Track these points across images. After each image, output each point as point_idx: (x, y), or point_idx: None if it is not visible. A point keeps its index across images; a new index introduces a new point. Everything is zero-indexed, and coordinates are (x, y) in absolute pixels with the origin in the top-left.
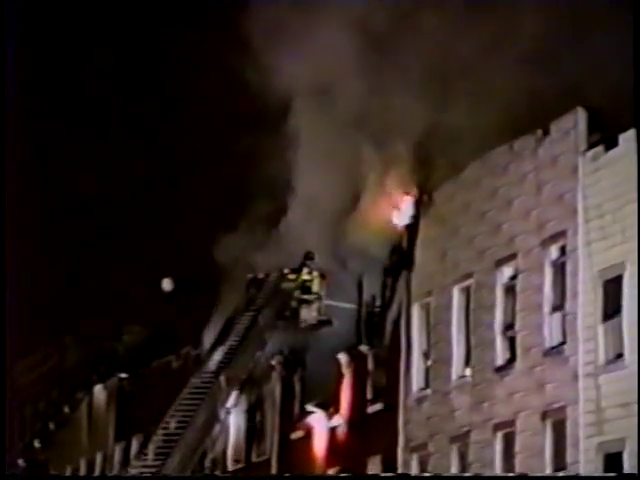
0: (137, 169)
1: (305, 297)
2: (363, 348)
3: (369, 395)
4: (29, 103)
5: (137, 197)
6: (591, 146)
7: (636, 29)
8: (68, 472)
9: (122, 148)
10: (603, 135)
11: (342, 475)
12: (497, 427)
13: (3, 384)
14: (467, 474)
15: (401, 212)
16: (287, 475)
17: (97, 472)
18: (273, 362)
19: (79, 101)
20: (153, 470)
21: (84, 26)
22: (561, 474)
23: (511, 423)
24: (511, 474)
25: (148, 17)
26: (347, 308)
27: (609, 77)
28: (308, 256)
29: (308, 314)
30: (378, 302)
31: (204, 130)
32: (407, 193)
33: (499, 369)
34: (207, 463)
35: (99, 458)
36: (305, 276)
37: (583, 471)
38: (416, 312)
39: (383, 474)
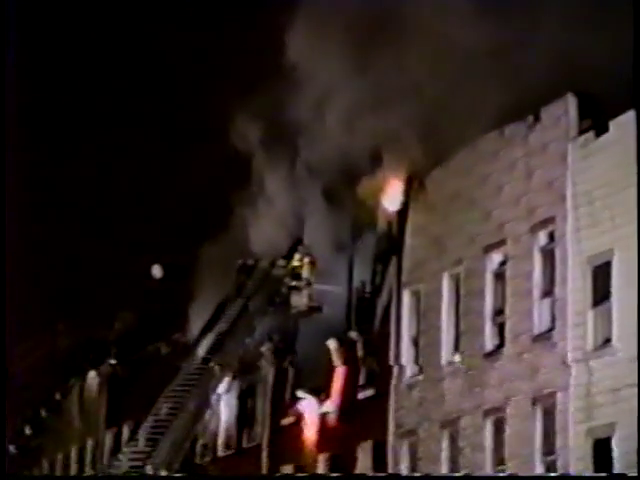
0: (129, 157)
1: (295, 283)
2: (353, 334)
3: (360, 381)
4: (27, 88)
5: (128, 185)
6: (581, 132)
7: (636, 13)
8: (59, 458)
9: (116, 137)
10: (594, 121)
11: (333, 475)
12: (487, 413)
13: (3, 374)
14: (459, 470)
15: (391, 198)
16: (278, 475)
17: (88, 458)
18: (263, 349)
19: (76, 91)
20: (143, 456)
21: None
22: (552, 469)
23: (501, 409)
24: (503, 474)
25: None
26: (337, 292)
27: (603, 62)
28: (298, 242)
29: (298, 300)
30: (368, 288)
31: (201, 119)
32: (398, 179)
33: (489, 355)
34: (198, 449)
35: (90, 444)
36: (295, 262)
37: (572, 456)
38: (406, 298)
39: (373, 474)
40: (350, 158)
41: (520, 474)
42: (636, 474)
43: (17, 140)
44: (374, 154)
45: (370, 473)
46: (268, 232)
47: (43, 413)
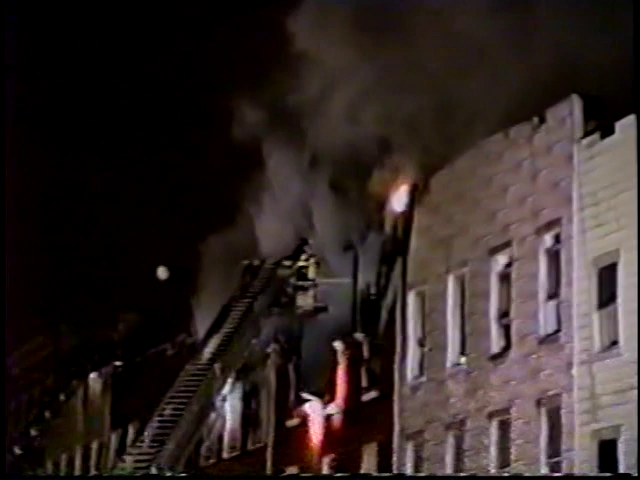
0: (133, 157)
1: (301, 284)
2: (358, 336)
3: (364, 383)
4: (29, 93)
5: (132, 185)
6: (587, 134)
7: (636, 17)
8: (64, 460)
9: (119, 138)
10: (599, 123)
11: (336, 475)
12: (492, 415)
13: (2, 374)
14: (464, 470)
15: (397, 199)
16: (281, 475)
17: (93, 460)
18: (269, 350)
19: (77, 92)
20: (148, 457)
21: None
22: (557, 471)
23: (506, 411)
24: (506, 475)
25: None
26: (344, 285)
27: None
28: (304, 242)
29: (304, 301)
30: (373, 290)
31: (204, 124)
32: (404, 180)
33: (494, 357)
34: (203, 450)
35: (95, 446)
36: (301, 263)
37: (578, 458)
38: (411, 300)
39: (378, 474)
40: (358, 148)
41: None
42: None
43: (17, 140)
44: (383, 145)
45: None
46: (275, 229)
47: (48, 414)
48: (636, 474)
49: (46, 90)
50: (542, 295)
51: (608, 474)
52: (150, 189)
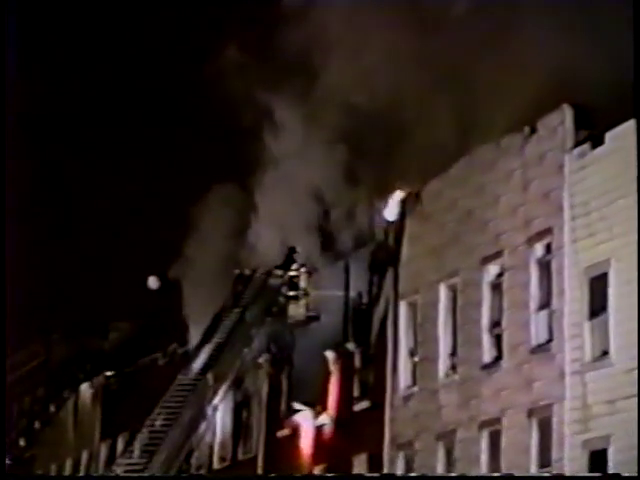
0: (124, 168)
1: (292, 293)
2: (350, 346)
3: (356, 393)
4: (28, 98)
5: (124, 195)
6: (578, 144)
7: (636, 20)
8: (53, 470)
9: (111, 148)
10: (590, 133)
11: (330, 475)
12: (483, 424)
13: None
14: (454, 474)
15: (389, 208)
16: (274, 475)
17: (82, 470)
18: (261, 360)
19: (73, 101)
20: (138, 468)
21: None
22: (546, 474)
23: (498, 421)
24: (497, 474)
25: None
26: (337, 297)
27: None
28: (293, 251)
29: (296, 310)
30: (365, 299)
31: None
32: (398, 189)
33: (486, 367)
34: (193, 461)
35: (85, 456)
36: (292, 272)
37: (568, 468)
38: (403, 309)
39: (369, 474)
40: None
41: None
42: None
43: (18, 150)
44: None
45: None
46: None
47: (37, 425)
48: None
49: (46, 86)
50: (533, 305)
51: (599, 474)
52: (140, 197)
